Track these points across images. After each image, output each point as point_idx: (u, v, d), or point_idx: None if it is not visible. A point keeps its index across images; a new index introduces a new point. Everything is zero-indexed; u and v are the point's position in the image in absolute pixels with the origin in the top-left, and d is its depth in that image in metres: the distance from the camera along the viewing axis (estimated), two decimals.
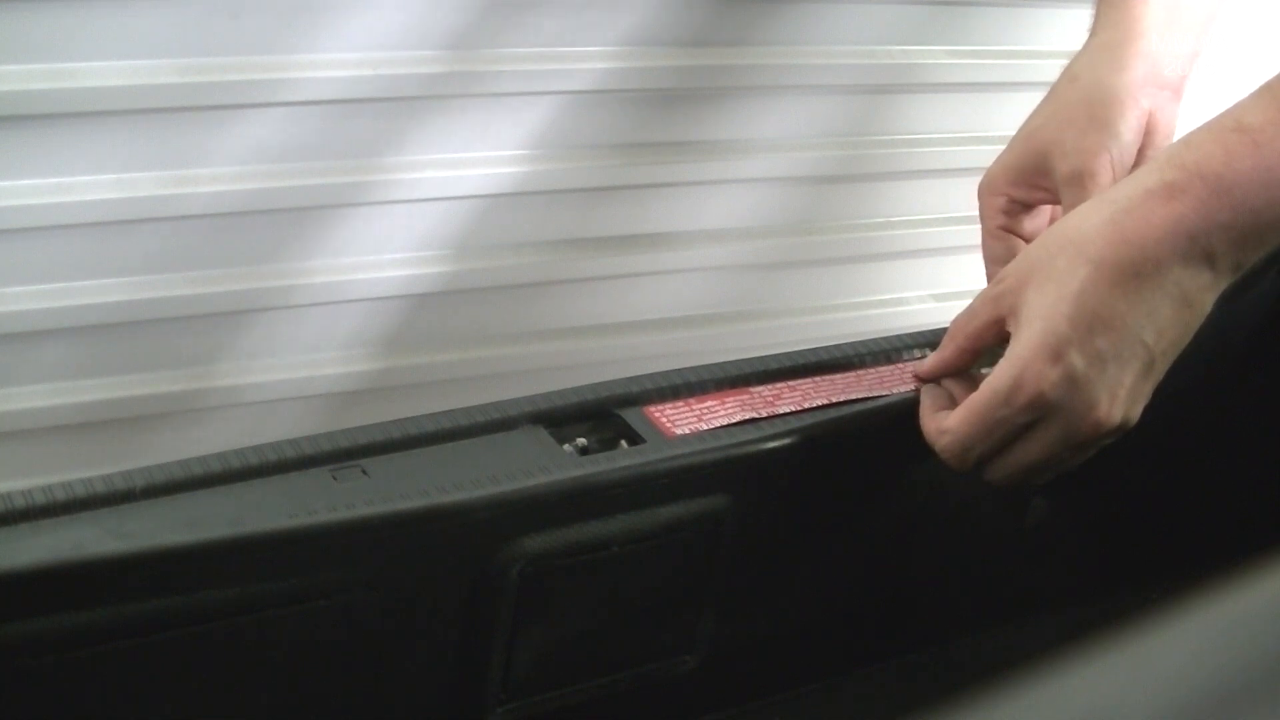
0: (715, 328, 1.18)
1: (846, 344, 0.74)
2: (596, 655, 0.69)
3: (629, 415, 0.67)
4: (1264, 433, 0.85)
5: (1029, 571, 0.84)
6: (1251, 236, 0.62)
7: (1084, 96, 0.77)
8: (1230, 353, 0.84)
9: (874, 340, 0.75)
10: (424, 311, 1.05)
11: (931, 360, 0.70)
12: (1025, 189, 0.78)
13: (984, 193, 0.80)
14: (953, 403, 0.68)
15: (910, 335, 0.76)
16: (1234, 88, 1.22)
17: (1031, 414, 0.63)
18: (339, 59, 0.93)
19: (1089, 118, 0.76)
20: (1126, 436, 0.65)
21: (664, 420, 0.67)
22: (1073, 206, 0.75)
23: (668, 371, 0.69)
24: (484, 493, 0.61)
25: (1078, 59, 0.79)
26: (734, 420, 0.67)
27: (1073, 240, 0.63)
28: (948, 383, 0.69)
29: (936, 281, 1.27)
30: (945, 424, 0.66)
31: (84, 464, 0.95)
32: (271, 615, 0.58)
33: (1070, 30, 1.15)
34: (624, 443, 0.66)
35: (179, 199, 0.92)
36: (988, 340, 0.67)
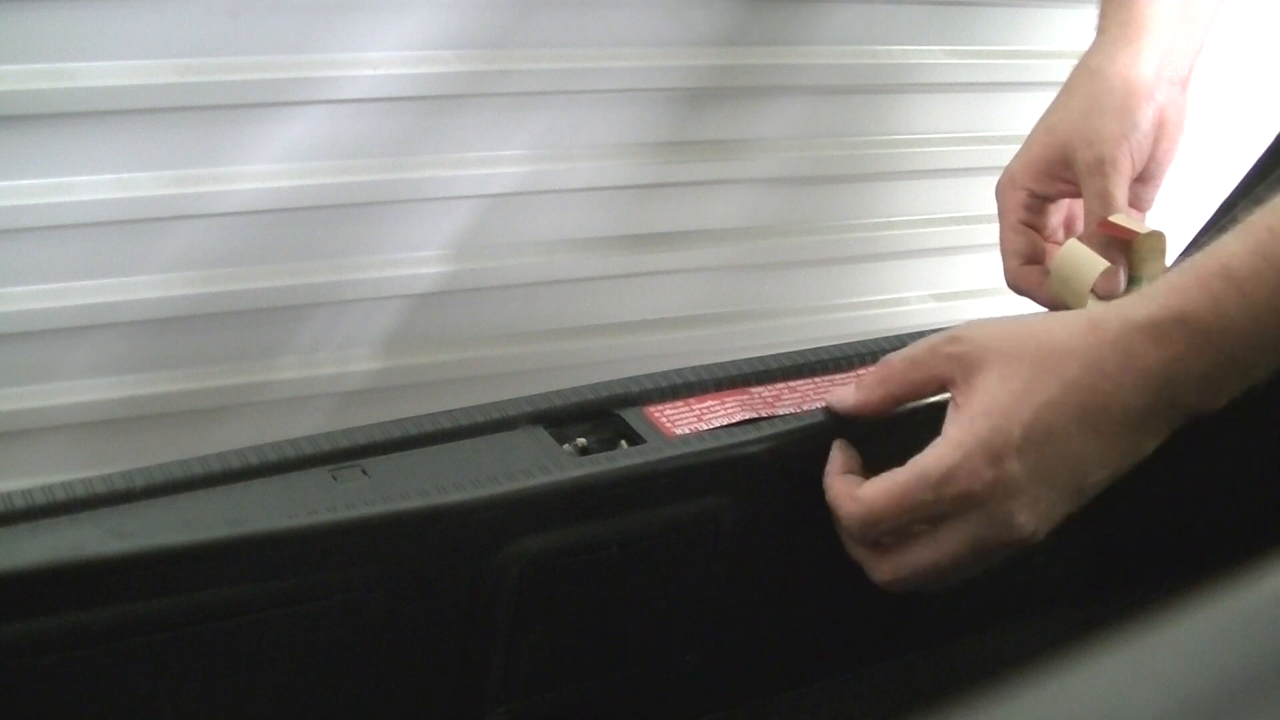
0: (715, 328, 1.18)
1: (846, 344, 0.74)
2: (596, 655, 0.69)
3: (629, 415, 0.67)
4: (1264, 432, 0.85)
5: (1029, 572, 0.84)
6: (1223, 386, 0.60)
7: (1103, 89, 0.78)
8: None
9: (874, 340, 0.75)
10: (424, 311, 1.05)
11: (855, 397, 0.66)
12: (1046, 182, 0.80)
13: (1004, 188, 0.81)
14: (863, 466, 0.65)
15: (910, 335, 0.76)
16: (1234, 80, 1.22)
17: (952, 507, 0.61)
18: (337, 59, 0.93)
19: (1109, 108, 0.77)
20: None
21: (664, 420, 0.67)
22: (1094, 194, 0.76)
23: (668, 371, 0.69)
24: (484, 493, 0.61)
25: (1091, 54, 0.80)
26: (734, 420, 0.67)
27: (1052, 351, 0.61)
28: (849, 445, 0.66)
29: (936, 281, 1.27)
30: (859, 491, 0.63)
31: (84, 464, 0.95)
32: (271, 615, 0.58)
33: (1070, 30, 1.15)
34: (624, 443, 0.66)
35: (178, 199, 0.92)
36: (925, 394, 0.65)
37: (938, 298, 1.28)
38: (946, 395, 0.63)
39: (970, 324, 0.64)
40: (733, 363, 0.71)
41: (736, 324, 1.19)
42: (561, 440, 0.65)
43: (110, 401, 0.97)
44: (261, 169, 0.94)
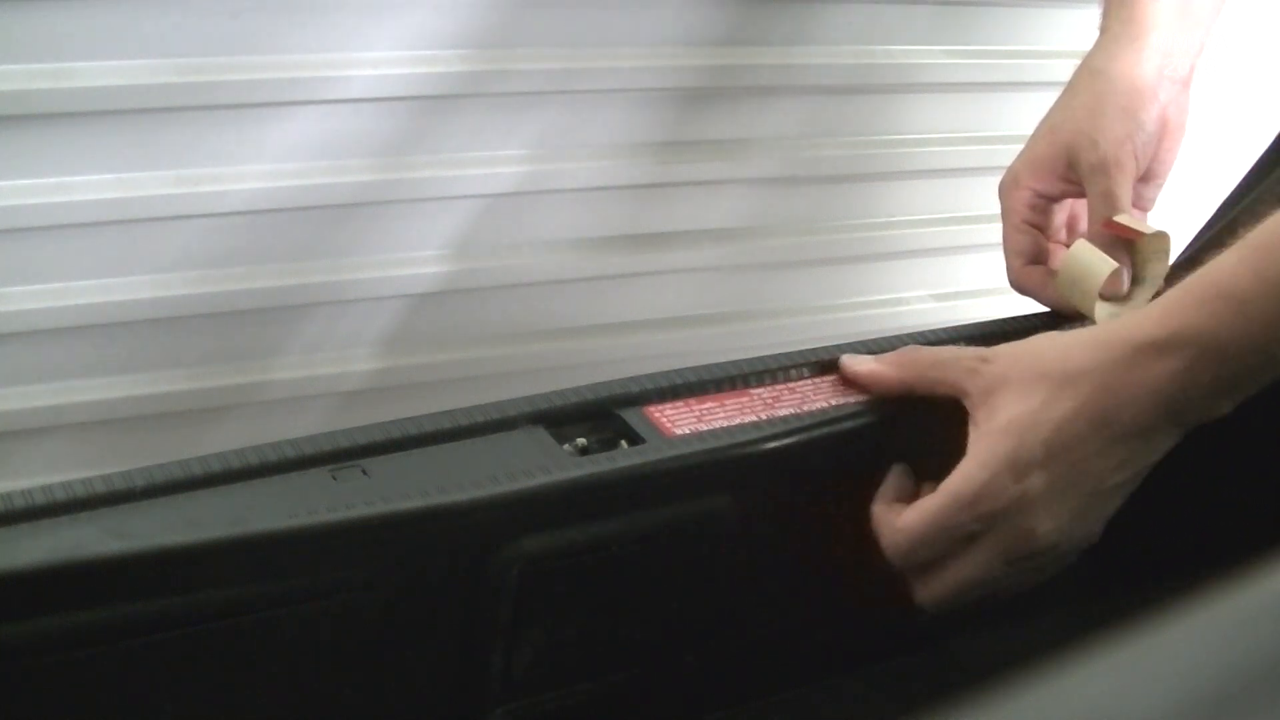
0: (715, 328, 1.18)
1: (846, 344, 0.74)
2: (596, 655, 0.69)
3: (629, 415, 0.67)
4: (1264, 432, 0.85)
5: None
6: (1227, 395, 0.64)
7: (1106, 89, 0.78)
8: None
9: (873, 340, 0.75)
10: (424, 311, 1.05)
11: (871, 366, 0.70)
12: (1050, 182, 0.80)
13: (1007, 188, 0.81)
14: (914, 493, 0.69)
15: (909, 335, 0.76)
16: (1234, 80, 1.22)
17: (982, 525, 0.65)
18: (337, 59, 0.93)
19: (1113, 109, 0.77)
20: None
21: (664, 420, 0.67)
22: (1098, 194, 0.77)
23: (668, 371, 0.69)
24: (484, 493, 0.60)
25: (1094, 54, 0.80)
26: (734, 421, 0.67)
27: (1062, 371, 0.64)
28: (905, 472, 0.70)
29: (936, 281, 1.27)
30: (899, 521, 0.66)
31: (84, 464, 0.95)
32: (271, 615, 0.58)
33: (1070, 30, 1.15)
34: (624, 443, 0.66)
35: (178, 199, 0.92)
36: (935, 394, 0.68)
37: (938, 298, 1.28)
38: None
39: (998, 348, 0.68)
40: (733, 363, 0.71)
41: (736, 324, 1.19)
42: (561, 440, 0.65)
43: (110, 401, 0.97)
44: (261, 169, 0.94)
